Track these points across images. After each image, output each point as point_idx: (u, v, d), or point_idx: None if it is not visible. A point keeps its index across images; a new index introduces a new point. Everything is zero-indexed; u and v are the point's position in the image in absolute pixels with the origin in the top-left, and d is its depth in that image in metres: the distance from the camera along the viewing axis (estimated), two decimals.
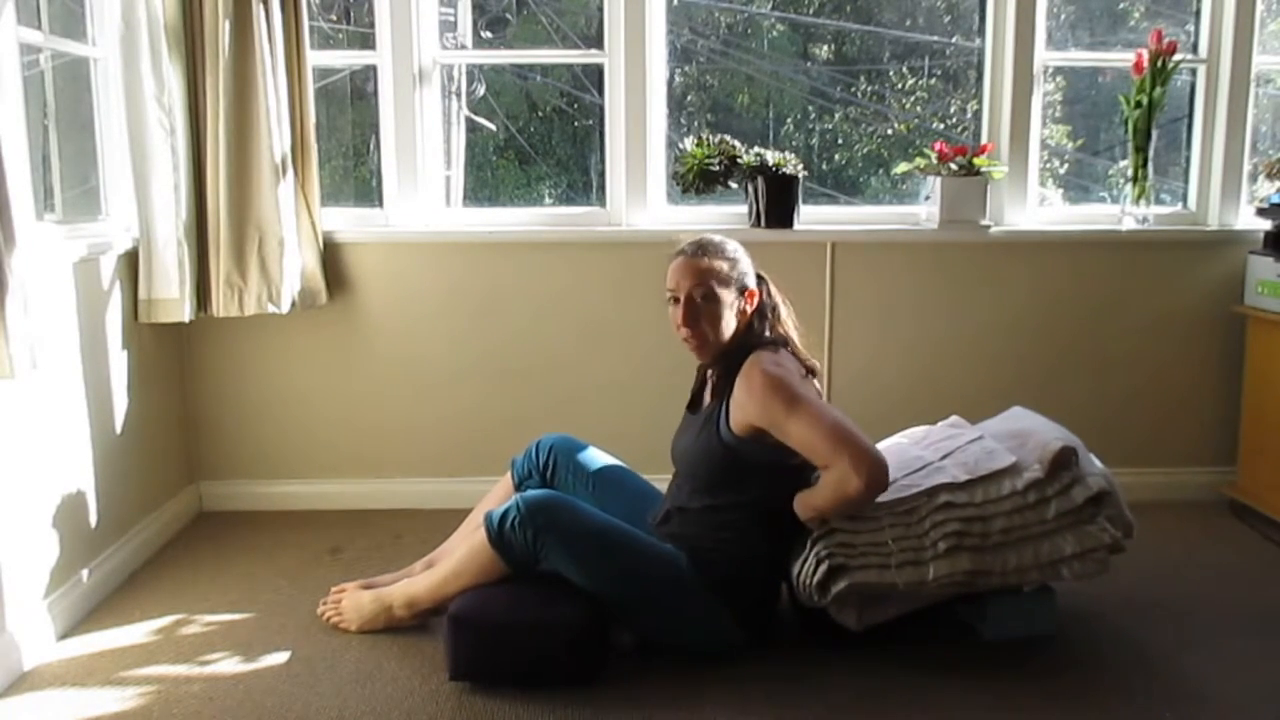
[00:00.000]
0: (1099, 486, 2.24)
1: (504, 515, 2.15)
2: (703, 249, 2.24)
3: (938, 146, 3.15)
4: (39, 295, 2.26)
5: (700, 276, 2.21)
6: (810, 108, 3.74)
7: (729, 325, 2.23)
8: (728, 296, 2.22)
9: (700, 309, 2.21)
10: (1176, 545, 2.93)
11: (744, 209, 3.22)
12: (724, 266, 2.23)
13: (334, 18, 3.59)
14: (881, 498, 2.15)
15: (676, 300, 2.24)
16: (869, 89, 3.74)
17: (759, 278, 2.33)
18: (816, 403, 2.14)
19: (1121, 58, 3.31)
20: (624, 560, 2.17)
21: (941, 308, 3.23)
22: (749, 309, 2.27)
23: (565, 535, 2.13)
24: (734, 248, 2.28)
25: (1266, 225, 3.11)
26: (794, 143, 3.69)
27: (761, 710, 2.05)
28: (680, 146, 3.27)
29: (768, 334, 2.29)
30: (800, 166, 3.12)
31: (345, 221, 3.21)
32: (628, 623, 2.26)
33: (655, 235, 3.18)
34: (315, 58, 3.06)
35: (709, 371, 2.36)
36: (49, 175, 2.77)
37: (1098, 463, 2.37)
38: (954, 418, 2.61)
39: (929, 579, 2.16)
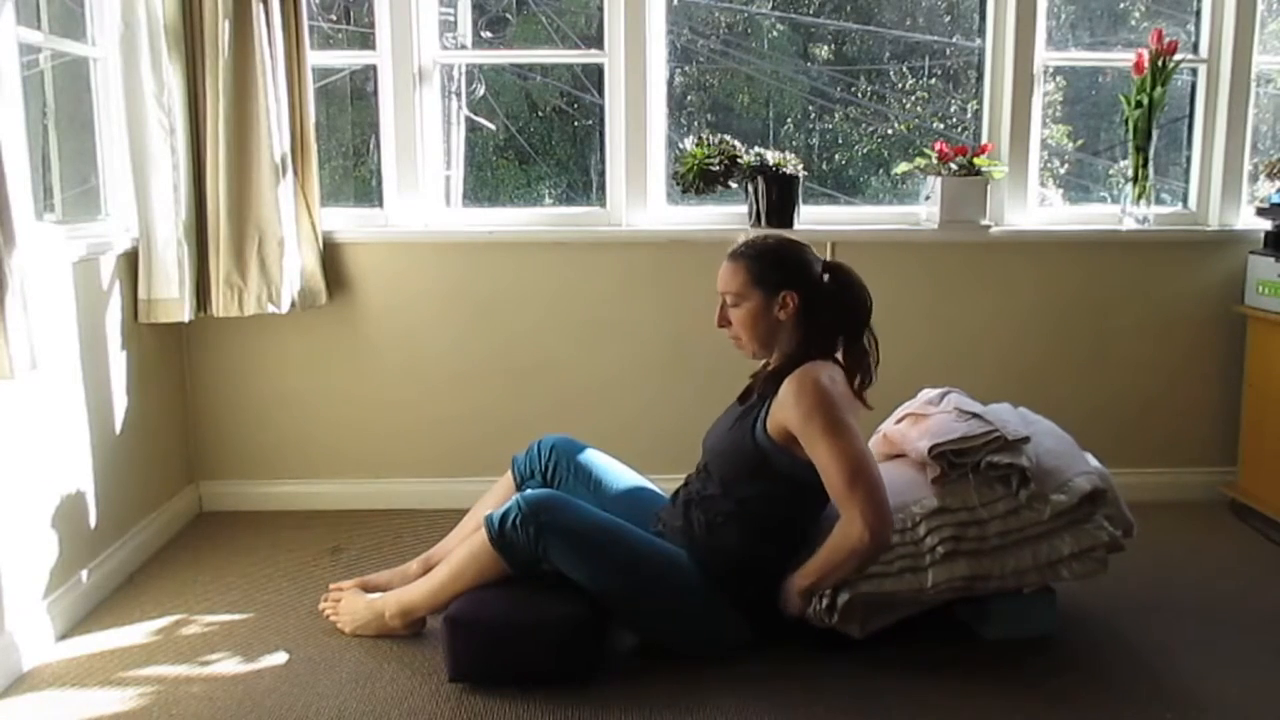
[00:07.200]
0: (1092, 485, 2.24)
1: (504, 515, 2.15)
2: (741, 250, 2.23)
3: (938, 146, 3.15)
4: (39, 295, 2.26)
5: (729, 278, 2.22)
6: (810, 108, 3.74)
7: (765, 328, 2.20)
8: (756, 298, 2.18)
9: (731, 311, 2.23)
10: (1176, 545, 2.93)
11: (744, 209, 3.21)
12: (756, 269, 2.19)
13: (334, 18, 3.59)
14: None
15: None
16: (869, 89, 3.73)
17: (823, 290, 2.21)
18: (855, 432, 2.07)
19: (1122, 58, 3.31)
20: (627, 556, 2.16)
21: (941, 308, 3.22)
22: (781, 315, 2.19)
23: (567, 532, 2.13)
24: (777, 249, 2.22)
25: (1266, 225, 3.11)
26: (794, 143, 3.69)
27: (761, 710, 2.05)
28: (680, 146, 3.27)
29: (822, 353, 2.19)
30: (800, 166, 3.12)
31: (345, 221, 3.21)
32: (629, 622, 2.26)
33: (655, 235, 3.18)
34: (315, 58, 3.06)
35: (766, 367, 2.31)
36: (49, 175, 2.77)
37: (1092, 460, 2.37)
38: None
39: (928, 585, 2.16)
